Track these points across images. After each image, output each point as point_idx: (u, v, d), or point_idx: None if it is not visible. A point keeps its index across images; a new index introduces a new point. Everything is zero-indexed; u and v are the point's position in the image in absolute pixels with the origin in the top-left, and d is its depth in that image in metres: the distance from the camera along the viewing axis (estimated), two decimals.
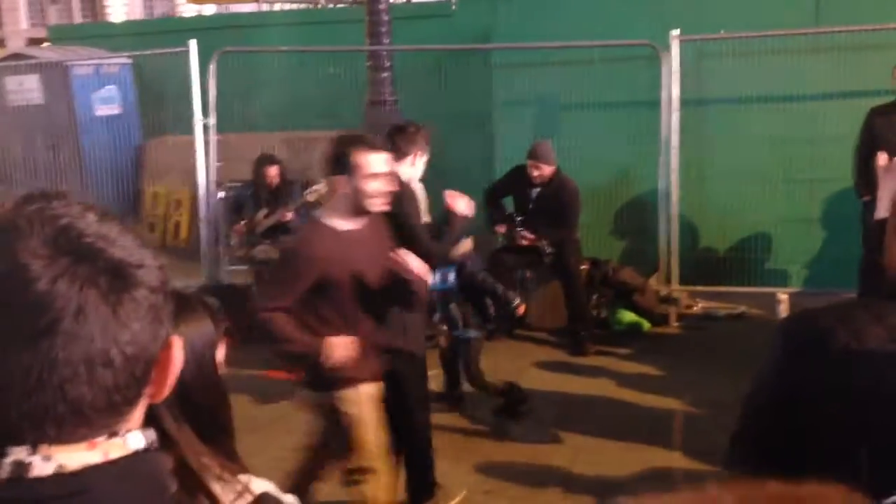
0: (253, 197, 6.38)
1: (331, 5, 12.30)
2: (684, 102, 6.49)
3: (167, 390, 0.81)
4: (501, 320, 6.08)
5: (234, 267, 7.09)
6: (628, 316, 6.16)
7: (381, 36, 7.10)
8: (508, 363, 5.58)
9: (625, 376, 5.36)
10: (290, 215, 6.19)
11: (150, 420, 0.82)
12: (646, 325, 6.15)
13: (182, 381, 0.84)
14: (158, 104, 8.93)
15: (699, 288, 6.61)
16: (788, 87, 6.39)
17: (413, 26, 7.83)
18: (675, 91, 6.41)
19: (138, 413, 0.80)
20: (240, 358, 1.96)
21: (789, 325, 1.46)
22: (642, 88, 6.75)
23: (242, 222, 6.34)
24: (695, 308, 6.55)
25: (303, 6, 13.37)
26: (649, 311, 6.19)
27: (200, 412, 1.06)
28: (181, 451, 0.90)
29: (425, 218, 3.81)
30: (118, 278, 0.73)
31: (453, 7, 8.37)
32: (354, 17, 7.99)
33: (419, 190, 3.86)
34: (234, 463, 0.99)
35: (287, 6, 13.58)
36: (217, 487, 0.91)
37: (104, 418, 0.75)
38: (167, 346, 0.79)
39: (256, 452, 1.23)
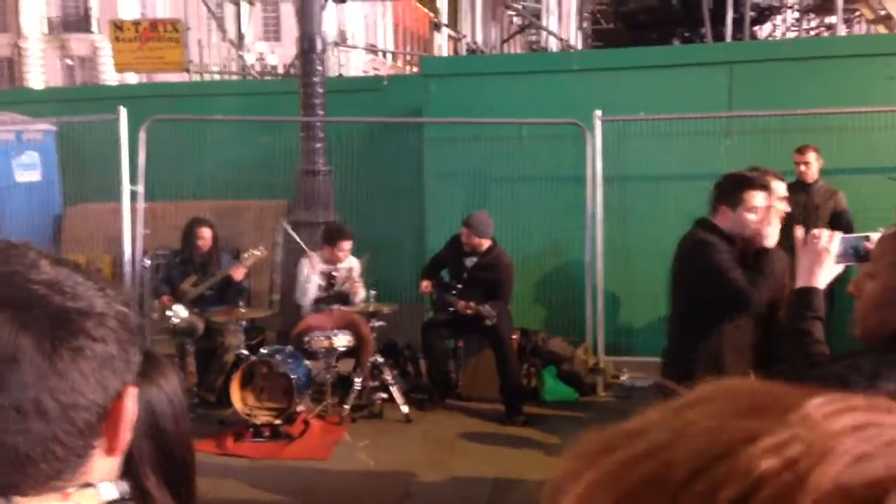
0: (182, 263, 6.23)
1: (265, 77, 12.43)
2: (607, 179, 6.78)
3: (122, 444, 0.78)
4: (434, 390, 6.10)
5: (158, 337, 6.89)
6: (558, 386, 6.24)
7: (316, 108, 7.20)
8: (439, 433, 5.56)
9: (553, 446, 5.38)
10: (242, 272, 6.06)
11: (129, 475, 0.80)
12: (574, 395, 6.24)
13: (166, 436, 0.83)
14: (81, 171, 8.76)
15: (625, 358, 6.77)
16: (703, 166, 6.74)
17: (346, 99, 7.97)
18: (599, 167, 6.70)
19: (99, 465, 0.76)
20: None
21: None
22: (568, 165, 7.01)
23: (166, 297, 6.13)
24: (622, 378, 6.68)
25: (235, 77, 13.46)
26: (578, 380, 6.29)
27: (176, 470, 1.05)
28: None
29: None
30: (59, 327, 0.71)
31: (385, 83, 8.59)
32: (288, 88, 8.09)
33: None
34: None
35: (218, 77, 13.64)
36: None
37: (46, 470, 0.71)
38: (119, 398, 0.75)
39: None
